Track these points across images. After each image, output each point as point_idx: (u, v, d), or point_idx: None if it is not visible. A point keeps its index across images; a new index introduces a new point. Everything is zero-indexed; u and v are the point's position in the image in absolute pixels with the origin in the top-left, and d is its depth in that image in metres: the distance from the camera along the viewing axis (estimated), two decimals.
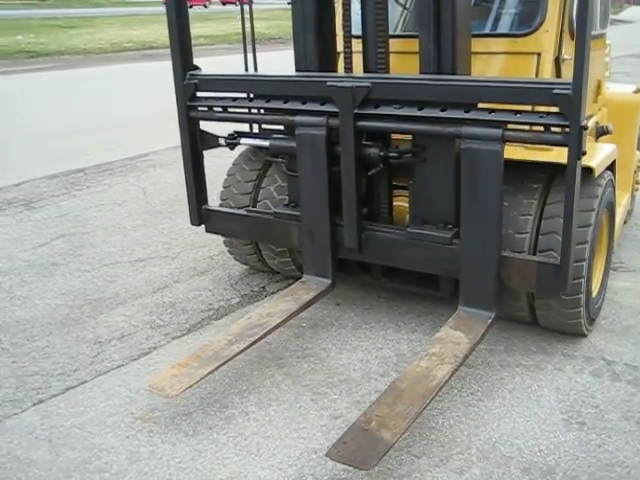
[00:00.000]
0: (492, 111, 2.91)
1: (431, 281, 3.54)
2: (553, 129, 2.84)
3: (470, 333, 3.04)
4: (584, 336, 3.47)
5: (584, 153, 2.71)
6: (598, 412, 2.90)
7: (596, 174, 3.17)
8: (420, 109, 3.04)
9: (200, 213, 3.91)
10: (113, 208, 6.01)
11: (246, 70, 4.09)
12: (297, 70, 3.51)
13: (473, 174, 3.00)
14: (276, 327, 3.28)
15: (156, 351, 3.51)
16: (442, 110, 2.99)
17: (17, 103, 12.39)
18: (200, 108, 3.69)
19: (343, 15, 3.42)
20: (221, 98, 3.65)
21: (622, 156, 4.28)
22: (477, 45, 3.31)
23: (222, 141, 3.79)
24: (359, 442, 2.43)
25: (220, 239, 4.40)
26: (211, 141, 3.82)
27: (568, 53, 3.52)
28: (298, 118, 3.39)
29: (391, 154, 3.28)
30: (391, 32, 3.46)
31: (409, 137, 3.35)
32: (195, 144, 3.76)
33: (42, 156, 8.12)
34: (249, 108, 3.62)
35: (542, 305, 3.32)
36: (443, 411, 2.94)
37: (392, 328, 3.65)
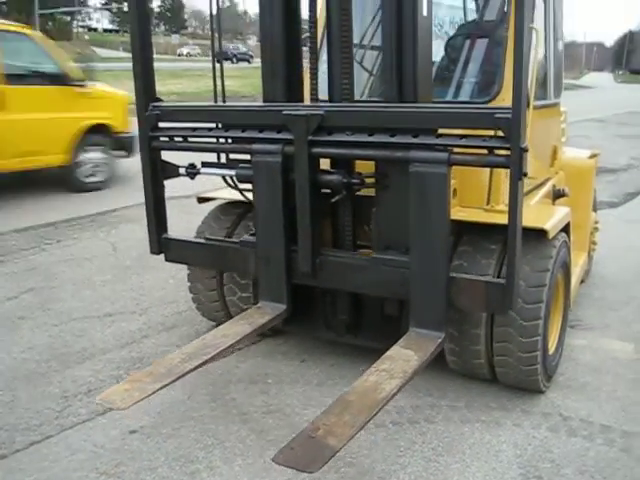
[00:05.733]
0: (439, 136, 3.04)
1: (394, 338, 3.62)
2: (496, 152, 2.96)
3: (420, 351, 3.07)
4: (542, 392, 3.57)
5: (525, 174, 2.84)
6: (554, 466, 2.99)
7: (550, 236, 3.31)
8: (370, 135, 3.16)
9: (160, 242, 3.92)
10: (82, 263, 6.04)
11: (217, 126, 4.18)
12: None
13: (421, 196, 3.10)
14: (229, 347, 3.30)
15: None
16: (391, 136, 3.11)
17: None
18: (162, 138, 3.74)
19: (310, 80, 3.57)
20: (182, 128, 3.69)
21: (578, 218, 4.47)
22: None
23: (182, 171, 3.81)
24: (305, 448, 2.46)
25: (189, 295, 4.45)
26: (172, 171, 3.83)
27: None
28: (255, 146, 3.47)
29: (354, 181, 3.36)
30: (357, 97, 3.63)
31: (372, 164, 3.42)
32: (156, 174, 3.78)
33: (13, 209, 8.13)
34: (208, 137, 3.67)
35: (500, 362, 3.42)
36: (404, 466, 3.00)
37: None
